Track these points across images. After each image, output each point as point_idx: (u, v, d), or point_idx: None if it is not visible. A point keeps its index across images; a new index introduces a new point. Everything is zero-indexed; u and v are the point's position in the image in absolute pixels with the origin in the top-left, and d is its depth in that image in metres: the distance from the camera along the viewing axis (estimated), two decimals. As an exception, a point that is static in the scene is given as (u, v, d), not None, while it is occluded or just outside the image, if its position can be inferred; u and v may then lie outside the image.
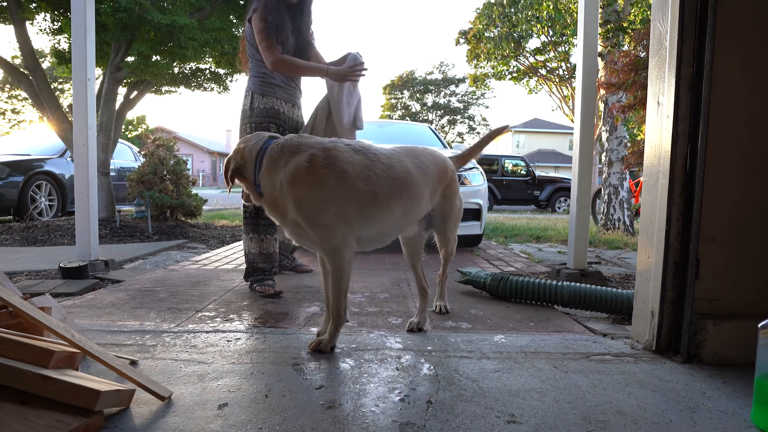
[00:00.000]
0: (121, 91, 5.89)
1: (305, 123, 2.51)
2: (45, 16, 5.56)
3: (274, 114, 2.38)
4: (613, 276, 3.09)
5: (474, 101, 32.61)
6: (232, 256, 3.71)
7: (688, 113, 1.49)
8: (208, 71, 6.70)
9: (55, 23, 5.62)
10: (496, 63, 13.74)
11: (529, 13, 11.92)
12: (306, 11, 2.46)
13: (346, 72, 2.31)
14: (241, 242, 4.61)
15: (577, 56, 2.94)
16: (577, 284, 2.20)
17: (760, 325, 1.10)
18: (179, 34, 4.89)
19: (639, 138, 6.06)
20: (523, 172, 13.63)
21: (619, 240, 5.03)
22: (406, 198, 1.60)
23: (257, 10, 2.26)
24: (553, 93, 14.21)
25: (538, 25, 12.18)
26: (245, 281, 2.52)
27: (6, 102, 25.05)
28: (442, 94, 32.58)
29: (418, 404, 1.17)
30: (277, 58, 2.26)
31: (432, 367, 1.41)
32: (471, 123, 33.19)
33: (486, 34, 13.10)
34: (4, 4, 4.95)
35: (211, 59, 6.29)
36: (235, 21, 6.06)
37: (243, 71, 2.56)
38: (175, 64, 5.92)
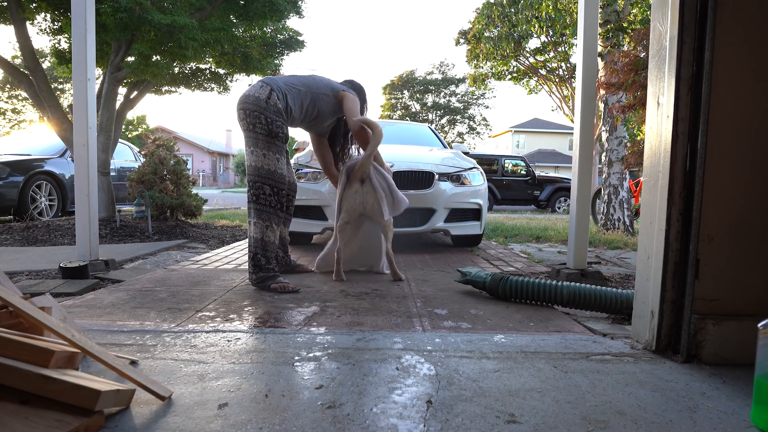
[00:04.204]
0: (122, 91, 5.89)
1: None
2: (45, 16, 5.56)
3: (284, 120, 2.53)
4: (613, 276, 3.09)
5: (474, 101, 32.61)
6: (233, 256, 3.71)
7: (688, 113, 1.49)
8: (208, 71, 6.70)
9: (55, 23, 5.62)
10: (495, 63, 13.74)
11: (529, 13, 11.91)
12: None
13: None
14: (241, 242, 4.66)
15: (577, 56, 2.94)
16: (577, 284, 2.20)
17: (760, 325, 1.10)
18: (179, 34, 4.88)
19: (639, 138, 6.06)
20: (523, 172, 13.63)
21: (619, 240, 5.02)
22: None
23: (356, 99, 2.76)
24: (553, 93, 14.22)
25: (538, 25, 12.17)
26: (254, 277, 2.48)
27: (6, 102, 25.07)
28: (442, 94, 32.57)
29: (418, 404, 1.17)
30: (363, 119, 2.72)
31: (432, 367, 1.41)
32: (471, 123, 33.20)
33: (486, 34, 13.09)
34: (4, 4, 4.95)
35: (211, 59, 6.28)
36: (235, 21, 6.06)
37: None
38: (175, 64, 5.92)
